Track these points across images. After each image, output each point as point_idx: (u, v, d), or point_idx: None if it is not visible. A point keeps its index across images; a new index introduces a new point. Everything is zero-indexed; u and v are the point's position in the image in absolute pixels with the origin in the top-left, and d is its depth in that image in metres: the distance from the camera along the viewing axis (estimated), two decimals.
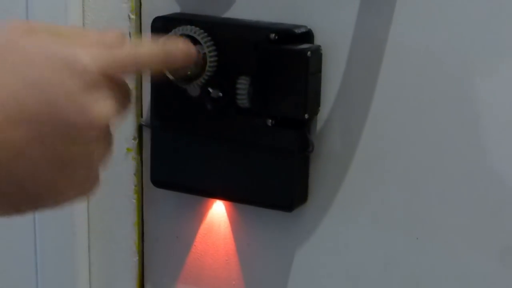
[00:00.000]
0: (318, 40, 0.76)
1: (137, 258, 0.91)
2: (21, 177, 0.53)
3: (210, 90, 0.76)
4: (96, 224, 0.92)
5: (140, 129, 0.87)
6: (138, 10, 0.85)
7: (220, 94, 0.77)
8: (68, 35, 0.57)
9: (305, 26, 0.76)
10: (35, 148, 0.53)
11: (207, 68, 0.75)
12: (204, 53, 0.75)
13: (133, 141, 0.87)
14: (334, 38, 0.75)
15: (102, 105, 0.55)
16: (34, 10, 0.87)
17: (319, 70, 0.76)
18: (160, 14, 0.80)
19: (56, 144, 0.53)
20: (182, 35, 0.75)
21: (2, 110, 0.51)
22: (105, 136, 0.56)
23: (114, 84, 0.56)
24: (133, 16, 0.84)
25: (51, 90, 0.53)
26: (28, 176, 0.53)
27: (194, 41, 0.75)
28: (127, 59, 0.58)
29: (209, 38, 0.75)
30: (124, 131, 0.86)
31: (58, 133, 0.53)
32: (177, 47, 0.62)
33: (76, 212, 0.91)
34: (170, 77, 0.74)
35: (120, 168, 0.88)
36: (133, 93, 0.60)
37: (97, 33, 0.59)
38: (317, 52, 0.75)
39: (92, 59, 0.54)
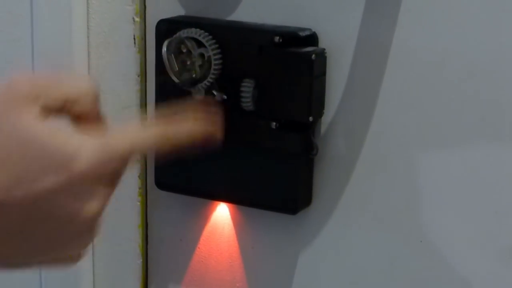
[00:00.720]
0: (322, 43, 0.76)
1: (141, 260, 0.91)
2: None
3: (215, 92, 0.77)
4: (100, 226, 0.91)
5: None
6: (143, 12, 0.85)
7: (225, 96, 0.77)
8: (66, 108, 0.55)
9: (310, 29, 0.76)
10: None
11: (211, 70, 0.75)
12: (209, 56, 0.75)
13: None
14: (339, 41, 0.75)
15: (90, 205, 0.53)
16: (39, 13, 0.87)
17: (323, 73, 0.76)
18: (165, 17, 0.80)
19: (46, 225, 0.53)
20: (187, 38, 0.75)
21: None
22: (94, 221, 0.54)
23: (105, 174, 0.54)
24: (137, 19, 0.84)
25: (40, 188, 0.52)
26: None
27: (199, 44, 0.75)
28: (122, 150, 0.55)
29: (214, 40, 0.75)
30: None
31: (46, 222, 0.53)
32: (184, 129, 0.57)
33: None
34: (175, 80, 0.75)
35: None
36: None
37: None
38: (322, 55, 0.75)
39: (87, 161, 0.52)
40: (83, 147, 0.52)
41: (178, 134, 0.56)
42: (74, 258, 0.56)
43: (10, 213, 0.51)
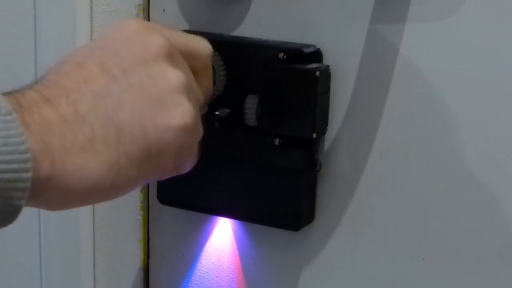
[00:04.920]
0: (327, 60, 0.76)
1: (143, 274, 0.90)
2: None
3: (218, 108, 0.76)
4: (101, 241, 0.91)
5: None
6: None
7: (228, 112, 0.76)
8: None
9: (314, 46, 0.76)
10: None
11: (215, 86, 0.75)
12: (213, 71, 0.75)
13: None
14: (343, 58, 0.75)
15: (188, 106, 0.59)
16: (42, 26, 0.87)
17: (327, 90, 0.76)
18: None
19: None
20: None
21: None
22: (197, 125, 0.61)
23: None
24: None
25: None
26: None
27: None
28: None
29: (219, 56, 0.75)
30: None
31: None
32: None
33: (82, 228, 0.90)
34: None
35: None
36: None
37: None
38: (326, 72, 0.75)
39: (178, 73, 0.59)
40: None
41: None
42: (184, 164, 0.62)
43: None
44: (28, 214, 0.90)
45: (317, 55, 0.76)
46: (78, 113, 0.53)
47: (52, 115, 0.52)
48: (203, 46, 0.66)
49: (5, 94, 0.51)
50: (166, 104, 0.57)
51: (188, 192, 0.82)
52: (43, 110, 0.52)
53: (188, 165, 0.62)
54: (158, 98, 0.57)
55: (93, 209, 0.91)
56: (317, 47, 0.76)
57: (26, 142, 0.49)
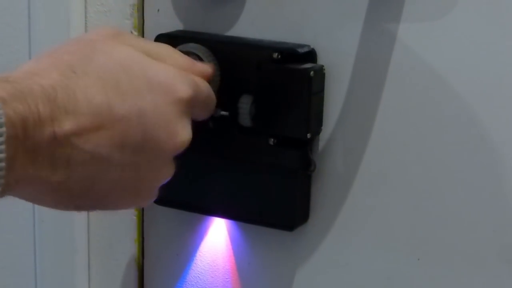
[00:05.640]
0: (321, 60, 0.76)
1: (137, 274, 0.90)
2: (98, 182, 0.56)
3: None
4: (96, 241, 0.91)
5: None
6: (141, 26, 0.85)
7: (222, 112, 0.76)
8: (156, 54, 0.60)
9: (308, 46, 0.76)
10: (120, 159, 0.56)
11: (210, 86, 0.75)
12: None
13: None
14: (337, 58, 0.75)
15: (186, 131, 0.59)
16: (37, 26, 0.87)
17: (321, 90, 0.76)
18: (163, 31, 0.80)
19: (140, 162, 0.57)
20: (185, 52, 0.75)
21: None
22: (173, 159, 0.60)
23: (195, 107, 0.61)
24: (136, 33, 0.84)
25: (152, 116, 0.56)
26: (105, 183, 0.56)
27: (197, 59, 0.75)
28: (206, 89, 0.65)
29: (213, 56, 0.75)
30: None
31: (146, 153, 0.57)
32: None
33: (77, 228, 0.90)
34: None
35: None
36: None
37: (182, 57, 0.64)
38: (320, 72, 0.75)
39: (188, 87, 0.59)
40: (182, 76, 0.59)
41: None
42: (147, 198, 0.61)
43: (115, 128, 0.54)
44: (23, 214, 0.91)
45: (311, 55, 0.76)
46: None
47: None
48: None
49: None
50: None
51: (182, 192, 0.82)
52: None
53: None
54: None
55: None
56: (311, 47, 0.76)
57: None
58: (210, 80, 0.74)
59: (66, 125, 0.52)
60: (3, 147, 0.48)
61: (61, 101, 0.52)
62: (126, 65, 0.56)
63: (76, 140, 0.52)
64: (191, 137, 0.61)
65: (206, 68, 0.67)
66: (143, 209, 0.89)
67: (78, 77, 0.53)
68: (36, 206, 0.89)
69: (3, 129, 0.48)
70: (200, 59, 0.75)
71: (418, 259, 0.76)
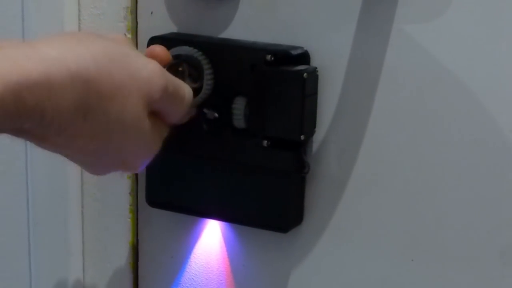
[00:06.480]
0: (314, 62, 0.76)
1: (132, 277, 0.90)
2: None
3: (206, 110, 0.76)
4: (90, 243, 0.91)
5: None
6: (135, 29, 0.85)
7: (216, 114, 0.76)
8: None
9: (302, 48, 0.76)
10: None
11: (203, 88, 0.75)
12: (201, 74, 0.75)
13: None
14: (331, 59, 0.75)
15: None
16: (30, 29, 0.87)
17: (315, 92, 0.76)
18: (157, 34, 0.80)
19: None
20: (178, 55, 0.75)
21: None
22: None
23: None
24: (129, 35, 0.84)
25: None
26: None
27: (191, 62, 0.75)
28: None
29: (206, 59, 0.75)
30: None
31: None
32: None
33: (71, 231, 0.90)
34: None
35: (116, 187, 0.88)
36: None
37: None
38: (314, 74, 0.75)
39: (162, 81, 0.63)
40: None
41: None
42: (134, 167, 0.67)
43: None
44: (17, 216, 0.91)
45: (304, 57, 0.76)
46: None
47: None
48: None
49: None
50: None
51: (177, 194, 0.82)
52: None
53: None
54: None
55: (82, 212, 0.91)
56: (305, 49, 0.76)
57: None
58: (204, 83, 0.74)
59: None
60: None
61: None
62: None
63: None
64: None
65: None
66: (137, 212, 0.89)
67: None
68: (31, 209, 0.89)
69: None
70: (189, 66, 0.74)
71: (412, 260, 0.76)
